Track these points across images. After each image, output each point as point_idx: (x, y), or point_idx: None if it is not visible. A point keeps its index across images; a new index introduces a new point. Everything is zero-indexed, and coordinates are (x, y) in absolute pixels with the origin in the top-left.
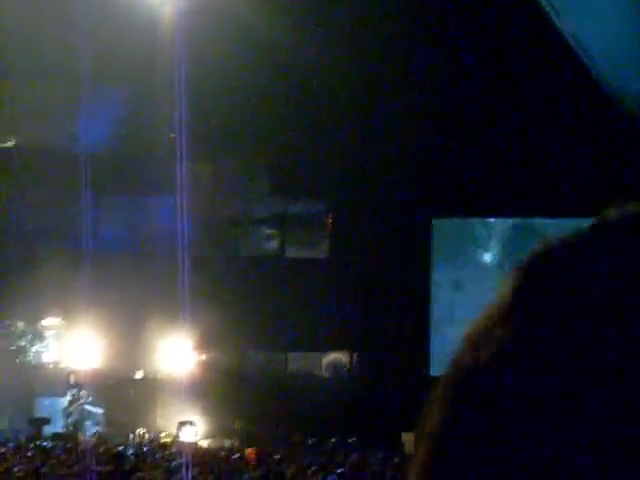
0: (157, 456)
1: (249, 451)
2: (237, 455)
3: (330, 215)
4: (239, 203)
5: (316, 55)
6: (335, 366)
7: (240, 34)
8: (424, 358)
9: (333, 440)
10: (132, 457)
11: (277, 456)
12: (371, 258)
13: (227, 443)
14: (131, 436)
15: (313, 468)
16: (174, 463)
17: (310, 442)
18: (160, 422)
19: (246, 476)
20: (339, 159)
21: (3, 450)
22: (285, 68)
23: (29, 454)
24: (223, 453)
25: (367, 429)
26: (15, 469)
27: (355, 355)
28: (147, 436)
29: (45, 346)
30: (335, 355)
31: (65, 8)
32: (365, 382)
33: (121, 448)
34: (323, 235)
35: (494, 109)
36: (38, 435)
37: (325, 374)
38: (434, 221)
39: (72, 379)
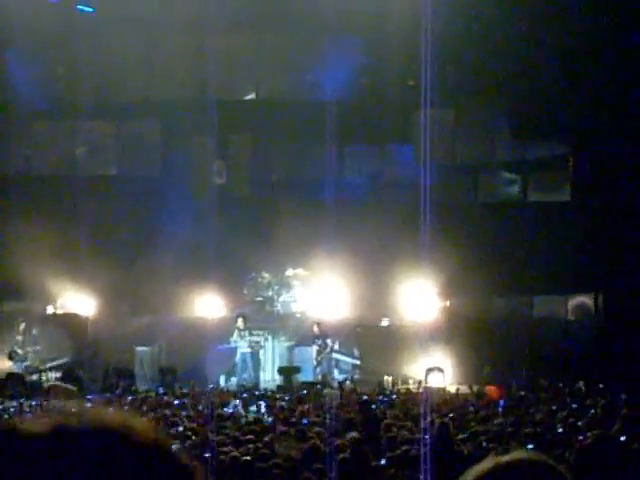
0: (405, 402)
1: (490, 388)
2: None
3: (571, 158)
4: (480, 148)
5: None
6: (581, 309)
7: None
8: None
9: (581, 384)
10: (381, 404)
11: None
12: (614, 198)
13: (475, 388)
14: (380, 383)
15: (563, 413)
16: (421, 409)
17: (559, 386)
18: (408, 369)
19: (498, 420)
20: (579, 101)
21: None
22: (527, 12)
23: (282, 403)
24: (470, 398)
25: (614, 371)
26: (266, 417)
27: (600, 297)
28: (395, 383)
29: (292, 296)
30: (581, 298)
31: None
32: (610, 324)
33: (368, 396)
34: (565, 178)
35: None
36: (289, 384)
37: (571, 317)
38: None
39: (316, 329)
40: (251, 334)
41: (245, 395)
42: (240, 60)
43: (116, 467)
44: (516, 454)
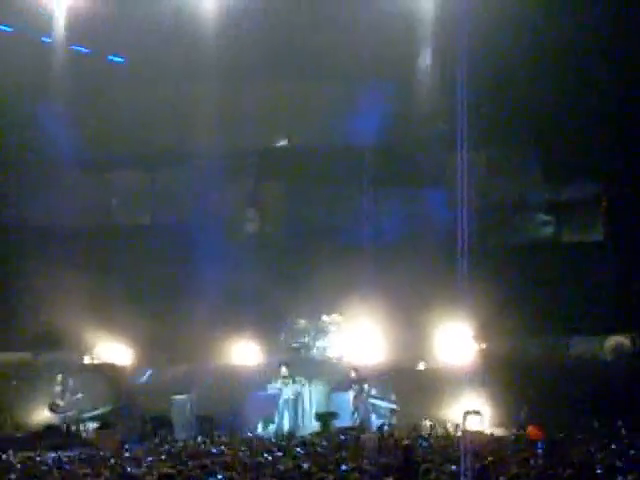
0: (443, 446)
1: (530, 429)
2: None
3: (604, 198)
4: (513, 190)
5: (586, 47)
6: (618, 349)
7: (507, 25)
8: None
9: (620, 423)
10: (420, 448)
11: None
12: None
13: (514, 431)
14: (417, 427)
15: (602, 454)
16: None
17: (596, 425)
18: (445, 412)
19: (532, 461)
20: (611, 142)
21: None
22: (556, 56)
23: (317, 449)
24: (510, 440)
25: None
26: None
27: (637, 337)
28: (434, 427)
29: (328, 341)
30: (617, 338)
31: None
32: None
33: (409, 440)
34: (598, 218)
35: None
36: (326, 430)
37: (608, 357)
38: None
39: (354, 373)
40: (294, 382)
41: (284, 443)
42: (272, 107)
43: None
44: None
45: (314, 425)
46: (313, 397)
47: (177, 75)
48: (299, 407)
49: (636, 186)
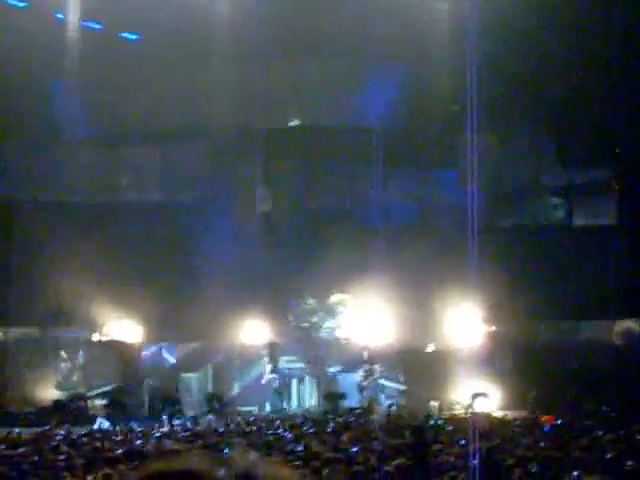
0: (452, 428)
1: (545, 419)
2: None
3: (616, 181)
4: (525, 173)
5: (602, 30)
6: (627, 334)
7: (523, 5)
8: None
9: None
10: (429, 429)
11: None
12: None
13: (521, 414)
14: (427, 408)
15: (607, 438)
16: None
17: (604, 410)
18: (453, 394)
19: (542, 444)
20: (625, 126)
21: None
22: (572, 39)
23: (328, 429)
24: (517, 423)
25: None
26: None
27: None
28: (441, 408)
29: (337, 322)
30: (627, 322)
31: None
32: None
33: (418, 421)
34: (610, 202)
35: None
36: (335, 410)
37: (617, 342)
38: None
39: (365, 354)
40: (276, 364)
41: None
42: (284, 86)
43: None
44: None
45: (322, 405)
46: (321, 377)
47: (189, 53)
48: (307, 387)
49: None
